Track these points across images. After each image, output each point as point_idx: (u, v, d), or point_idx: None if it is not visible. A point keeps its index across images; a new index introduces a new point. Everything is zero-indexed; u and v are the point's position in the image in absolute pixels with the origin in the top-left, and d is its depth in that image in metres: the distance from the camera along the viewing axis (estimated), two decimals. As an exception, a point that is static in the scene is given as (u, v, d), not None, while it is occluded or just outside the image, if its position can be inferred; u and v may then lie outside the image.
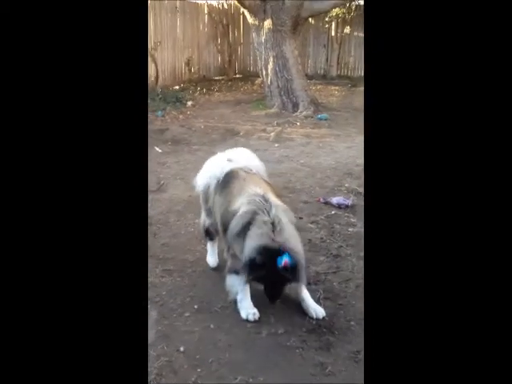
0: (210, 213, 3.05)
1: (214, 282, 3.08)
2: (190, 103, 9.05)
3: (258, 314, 2.71)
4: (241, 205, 2.67)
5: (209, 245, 3.25)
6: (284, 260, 2.40)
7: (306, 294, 2.79)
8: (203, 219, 3.21)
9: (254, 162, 3.06)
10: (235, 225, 2.64)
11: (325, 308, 2.81)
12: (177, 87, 10.88)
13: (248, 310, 2.73)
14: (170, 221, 3.98)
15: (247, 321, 2.69)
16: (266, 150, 6.32)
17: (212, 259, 3.22)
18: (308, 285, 3.06)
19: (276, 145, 6.57)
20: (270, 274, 2.46)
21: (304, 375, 2.27)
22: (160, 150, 6.09)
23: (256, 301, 2.79)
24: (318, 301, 2.89)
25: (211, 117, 8.27)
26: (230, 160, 2.99)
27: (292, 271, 2.46)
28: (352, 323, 2.67)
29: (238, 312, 2.72)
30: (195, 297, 2.90)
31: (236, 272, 2.70)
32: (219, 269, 3.15)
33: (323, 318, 2.68)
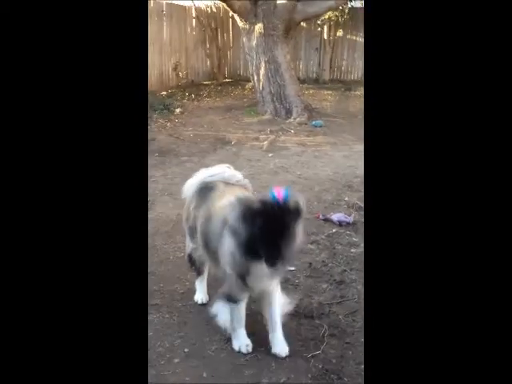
0: (193, 235, 2.75)
1: (206, 317, 2.75)
2: (178, 110, 8.71)
3: (251, 346, 2.45)
4: (220, 209, 2.42)
5: (197, 281, 2.93)
6: (276, 190, 2.09)
7: (277, 324, 2.49)
8: (187, 245, 2.93)
9: (237, 177, 2.79)
10: (215, 223, 2.40)
11: (331, 348, 2.51)
12: (164, 93, 10.54)
13: (241, 340, 2.45)
14: (156, 244, 3.64)
15: (239, 353, 2.43)
16: (259, 160, 6.02)
17: (200, 296, 2.91)
18: (311, 319, 2.77)
19: (270, 154, 6.27)
20: (264, 224, 2.07)
21: None
22: (147, 162, 5.75)
23: (255, 340, 2.49)
24: (322, 338, 2.59)
25: (200, 124, 7.95)
26: (211, 176, 2.72)
27: (288, 208, 2.09)
28: (362, 367, 2.36)
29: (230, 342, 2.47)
30: (186, 337, 2.58)
31: (230, 298, 2.41)
32: (210, 304, 2.83)
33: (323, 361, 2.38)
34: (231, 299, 2.42)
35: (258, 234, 2.09)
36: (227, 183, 2.69)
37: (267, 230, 2.08)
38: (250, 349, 2.45)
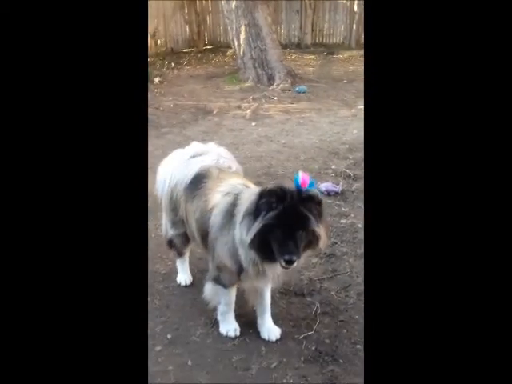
0: (177, 224, 2.52)
1: (190, 299, 2.59)
2: (157, 80, 8.32)
3: (239, 330, 2.31)
4: (219, 198, 2.18)
5: (178, 262, 2.73)
6: (301, 177, 1.83)
7: (266, 308, 2.33)
8: (165, 229, 2.68)
9: (225, 157, 2.52)
10: (215, 216, 2.16)
11: (324, 327, 2.37)
12: (142, 62, 10.05)
13: (229, 325, 2.30)
14: (136, 222, 3.43)
15: (227, 337, 2.29)
16: (242, 129, 5.77)
17: (184, 277, 2.71)
18: (302, 296, 2.61)
19: (253, 123, 6.01)
20: (283, 212, 1.82)
21: (307, 427, 1.83)
22: (124, 135, 5.46)
23: (244, 322, 2.34)
24: (314, 316, 2.44)
25: (181, 94, 7.61)
26: (193, 156, 2.45)
27: (309, 200, 1.85)
28: (358, 347, 2.23)
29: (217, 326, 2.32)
30: (168, 322, 2.41)
31: (219, 282, 2.22)
32: (194, 285, 2.66)
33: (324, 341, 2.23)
34: (221, 284, 2.24)
35: (276, 223, 1.83)
36: (220, 169, 2.39)
37: (287, 219, 1.83)
38: (238, 333, 2.29)
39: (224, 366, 2.12)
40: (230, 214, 2.06)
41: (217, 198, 2.18)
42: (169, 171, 2.46)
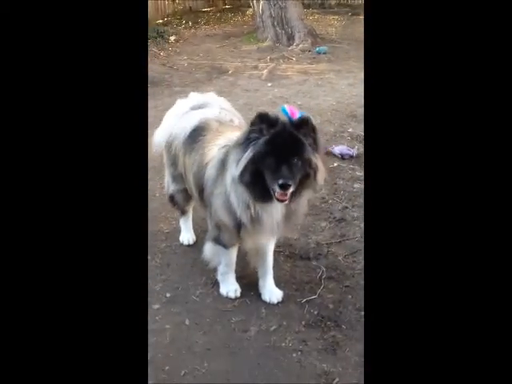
0: (177, 179, 2.42)
1: (192, 259, 2.52)
2: (172, 38, 8.10)
3: (239, 291, 2.24)
4: (216, 151, 2.08)
5: (181, 221, 2.65)
6: (290, 109, 1.77)
7: (268, 269, 2.23)
8: (167, 184, 2.59)
9: (227, 109, 2.40)
10: (210, 169, 2.06)
11: (329, 292, 2.28)
12: (160, 21, 9.80)
13: (229, 285, 2.23)
14: (142, 180, 3.35)
15: (227, 298, 2.22)
16: (257, 90, 5.57)
17: (186, 236, 2.64)
18: (307, 260, 2.52)
19: (269, 84, 5.80)
20: (275, 137, 1.73)
21: (303, 391, 1.76)
22: (137, 94, 5.33)
23: (245, 284, 2.28)
24: (319, 281, 2.35)
25: (196, 53, 7.39)
26: (193, 108, 2.32)
27: (302, 125, 1.77)
28: (362, 313, 2.13)
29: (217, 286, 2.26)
30: (168, 281, 2.35)
31: (219, 242, 2.14)
32: (197, 245, 2.58)
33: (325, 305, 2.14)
34: (221, 244, 2.15)
35: (268, 149, 1.73)
36: (220, 122, 2.28)
37: (279, 144, 1.73)
38: (238, 294, 2.22)
39: (222, 326, 2.06)
40: (223, 165, 1.95)
41: (213, 151, 2.07)
42: (168, 124, 2.35)
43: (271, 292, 2.20)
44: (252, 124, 1.78)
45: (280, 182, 1.70)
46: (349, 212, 2.98)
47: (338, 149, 3.74)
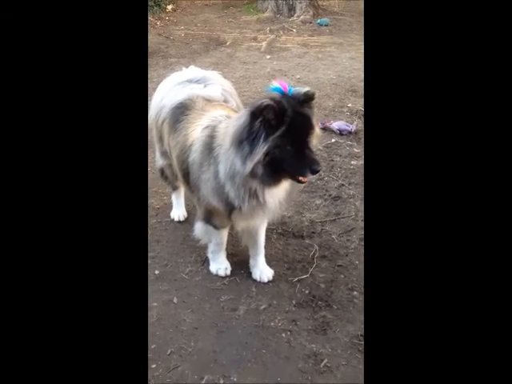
0: (165, 154, 2.34)
1: (182, 236, 2.46)
2: (170, 7, 7.84)
3: (229, 270, 2.19)
4: (199, 132, 1.98)
5: (173, 196, 2.58)
6: (280, 84, 1.69)
7: (259, 250, 2.17)
8: (157, 158, 2.51)
9: (227, 90, 2.29)
10: (194, 153, 1.97)
11: (321, 271, 2.23)
12: (157, -12, 9.49)
13: (219, 264, 2.18)
14: (134, 154, 3.26)
15: (216, 276, 2.18)
16: (255, 62, 5.42)
17: (177, 212, 2.57)
18: (300, 238, 2.46)
19: (268, 56, 5.64)
20: (289, 128, 1.64)
21: (291, 372, 1.73)
22: (131, 64, 5.18)
23: (235, 262, 2.23)
24: (311, 260, 2.30)
25: (194, 23, 7.17)
26: (189, 81, 2.21)
27: (308, 100, 1.70)
28: (355, 293, 2.09)
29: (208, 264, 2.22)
30: (157, 258, 2.30)
31: (209, 223, 2.07)
32: (188, 221, 2.52)
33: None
34: (212, 225, 2.09)
35: (285, 138, 1.64)
36: (207, 100, 2.16)
37: (295, 132, 1.65)
38: (228, 272, 2.18)
39: (211, 305, 2.02)
40: (208, 148, 1.86)
41: (197, 132, 1.98)
42: (159, 97, 2.25)
43: (262, 271, 2.15)
44: (254, 115, 1.64)
45: (314, 167, 1.66)
46: (345, 190, 2.91)
47: (336, 124, 3.64)
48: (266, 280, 2.14)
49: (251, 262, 2.18)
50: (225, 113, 2.04)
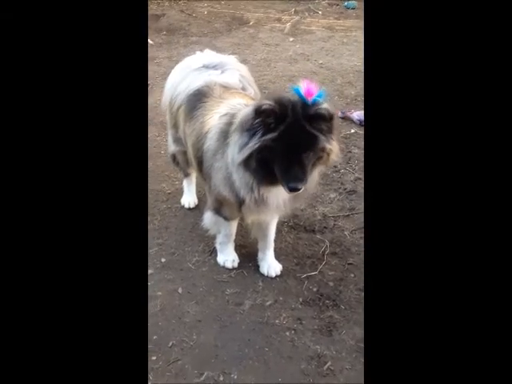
0: (178, 141, 2.29)
1: (191, 223, 2.42)
2: (194, -17, 7.68)
3: (237, 262, 2.14)
4: (216, 120, 1.92)
5: (184, 183, 2.53)
6: (305, 87, 1.55)
7: (269, 244, 2.12)
8: (169, 143, 2.45)
9: (245, 77, 2.21)
10: (210, 139, 1.91)
11: (330, 268, 2.17)
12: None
13: (227, 255, 2.14)
14: (149, 136, 3.21)
15: (223, 268, 2.14)
16: (277, 44, 5.27)
17: (188, 199, 2.52)
18: (312, 233, 2.40)
19: (291, 39, 5.48)
20: (283, 134, 1.56)
21: (293, 373, 1.69)
22: (151, 42, 5.10)
23: (243, 254, 2.18)
24: (322, 256, 2.24)
25: (217, 1, 7.02)
26: (206, 66, 2.13)
27: (318, 119, 1.58)
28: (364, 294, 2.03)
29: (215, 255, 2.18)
30: (164, 245, 2.27)
31: (219, 214, 2.03)
32: (199, 209, 2.48)
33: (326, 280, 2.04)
34: (222, 216, 2.04)
35: (276, 146, 1.58)
36: (225, 87, 2.09)
37: (289, 141, 1.57)
38: (236, 264, 2.13)
39: (215, 297, 1.99)
40: (224, 135, 1.80)
41: (214, 120, 1.91)
42: (172, 81, 2.18)
43: (270, 265, 2.10)
44: (257, 113, 1.58)
45: (291, 185, 1.59)
46: (361, 184, 2.82)
47: (356, 114, 3.52)
48: (273, 275, 2.09)
49: (260, 255, 2.14)
50: (244, 101, 1.97)
